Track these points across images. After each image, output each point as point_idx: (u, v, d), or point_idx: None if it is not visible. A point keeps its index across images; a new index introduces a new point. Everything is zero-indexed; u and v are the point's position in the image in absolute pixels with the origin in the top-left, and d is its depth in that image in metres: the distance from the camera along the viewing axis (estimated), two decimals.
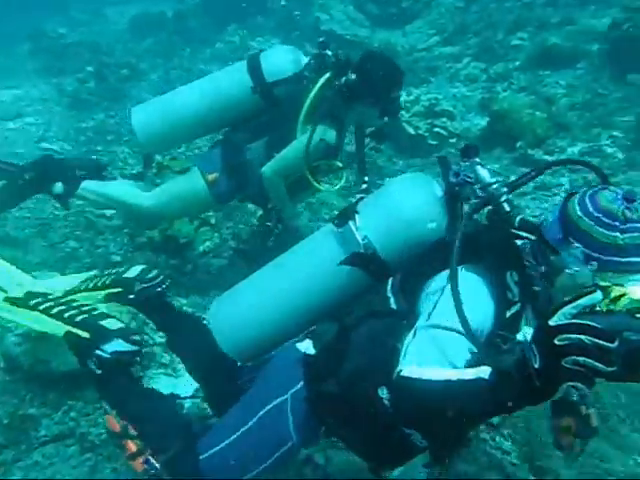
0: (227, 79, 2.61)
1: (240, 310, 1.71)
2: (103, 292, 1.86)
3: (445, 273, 1.34)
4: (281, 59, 2.57)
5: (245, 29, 6.26)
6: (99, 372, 1.67)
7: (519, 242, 1.41)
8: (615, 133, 4.04)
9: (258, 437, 1.50)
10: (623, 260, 1.18)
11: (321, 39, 2.61)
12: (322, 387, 1.46)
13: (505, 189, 1.48)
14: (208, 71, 6.04)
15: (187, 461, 1.54)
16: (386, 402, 1.28)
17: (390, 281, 1.56)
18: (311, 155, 2.43)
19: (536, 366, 0.97)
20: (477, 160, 1.54)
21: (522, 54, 5.19)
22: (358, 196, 1.80)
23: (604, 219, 1.19)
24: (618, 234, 1.18)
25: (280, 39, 5.05)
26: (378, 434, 1.40)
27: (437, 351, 1.23)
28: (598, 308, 1.16)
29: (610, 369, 0.91)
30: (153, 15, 7.41)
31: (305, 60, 2.57)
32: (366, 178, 2.69)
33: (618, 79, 4.52)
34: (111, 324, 1.74)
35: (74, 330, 1.69)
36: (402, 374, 1.18)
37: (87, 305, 1.82)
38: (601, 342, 0.91)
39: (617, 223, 1.18)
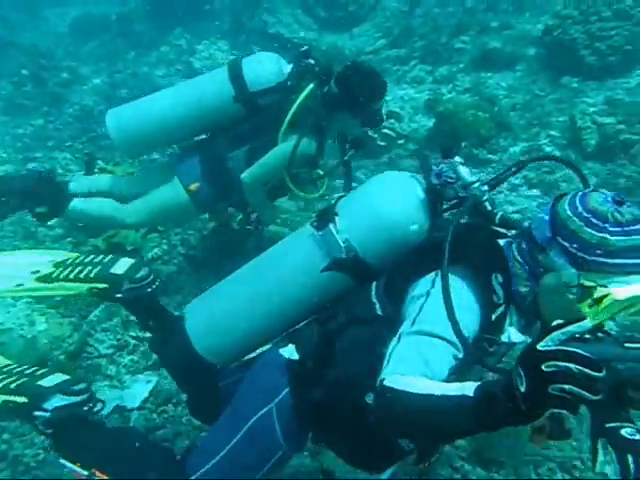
0: (208, 86, 2.58)
1: (215, 312, 1.68)
2: (86, 285, 1.78)
3: (430, 276, 1.34)
4: (264, 68, 2.54)
5: (191, 32, 6.16)
6: (49, 431, 1.63)
7: (502, 241, 1.42)
8: (552, 132, 4.23)
9: (247, 451, 1.48)
10: (609, 262, 1.18)
11: (304, 48, 2.61)
12: (308, 394, 1.44)
13: (486, 187, 1.49)
14: (153, 75, 6.02)
15: None
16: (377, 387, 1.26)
17: (374, 286, 1.53)
18: (293, 164, 2.47)
19: (522, 390, 0.96)
20: (458, 160, 1.54)
21: (465, 57, 5.36)
22: (336, 196, 1.76)
23: (593, 220, 1.20)
24: (607, 235, 1.18)
25: (228, 42, 4.99)
26: (365, 440, 1.39)
27: (421, 358, 1.21)
28: (583, 304, 1.19)
29: (596, 398, 0.90)
30: (95, 17, 7.17)
31: (288, 69, 2.56)
32: (354, 184, 2.71)
33: (553, 81, 4.75)
34: (49, 381, 1.68)
35: (11, 398, 1.65)
36: (385, 383, 1.17)
37: (22, 367, 1.77)
38: (588, 371, 0.90)
39: (607, 225, 1.18)
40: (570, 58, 4.63)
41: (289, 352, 1.53)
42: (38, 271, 1.81)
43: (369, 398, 1.28)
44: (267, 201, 2.72)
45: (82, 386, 1.70)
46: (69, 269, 1.79)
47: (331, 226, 1.59)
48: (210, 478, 1.49)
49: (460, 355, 1.25)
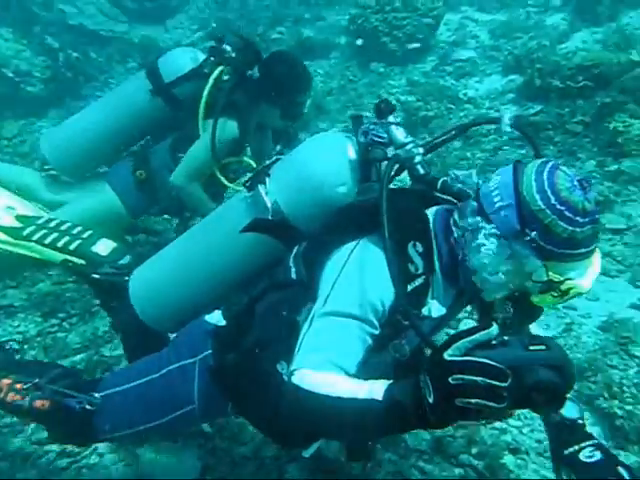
0: (129, 88, 2.56)
1: (154, 280, 1.67)
2: (62, 256, 1.79)
3: (349, 246, 1.29)
4: (177, 58, 2.51)
5: None
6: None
7: (437, 208, 1.36)
8: (366, 113, 4.52)
9: (158, 391, 1.49)
10: (575, 252, 1.16)
11: (219, 35, 2.53)
12: (223, 359, 1.42)
13: (420, 150, 1.41)
14: None
15: (78, 391, 1.52)
16: (285, 377, 1.21)
17: (295, 250, 1.47)
18: (218, 151, 2.35)
19: (430, 401, 0.96)
20: (392, 119, 1.45)
21: (283, 46, 5.47)
22: (275, 157, 1.64)
23: (567, 213, 1.14)
24: (577, 229, 1.15)
25: (20, 34, 4.43)
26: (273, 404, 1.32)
27: (333, 346, 1.18)
28: (555, 294, 1.19)
29: (501, 406, 0.92)
30: None
31: (203, 57, 2.45)
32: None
33: (364, 67, 5.09)
34: (101, 248, 1.80)
35: (70, 258, 1.77)
36: (293, 380, 1.14)
37: (73, 226, 1.88)
38: (494, 382, 0.91)
39: (578, 218, 1.14)
40: (375, 45, 5.00)
41: (215, 318, 1.51)
42: (14, 208, 1.95)
43: (281, 367, 1.28)
44: (206, 199, 2.53)
45: (126, 261, 1.77)
46: (44, 232, 1.84)
47: (260, 187, 1.52)
48: (114, 400, 1.51)
49: (376, 332, 1.23)
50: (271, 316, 1.42)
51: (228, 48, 2.48)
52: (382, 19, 4.92)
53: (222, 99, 2.36)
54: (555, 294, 1.21)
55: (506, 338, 0.99)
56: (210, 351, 1.47)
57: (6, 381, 1.58)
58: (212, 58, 2.46)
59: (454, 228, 1.30)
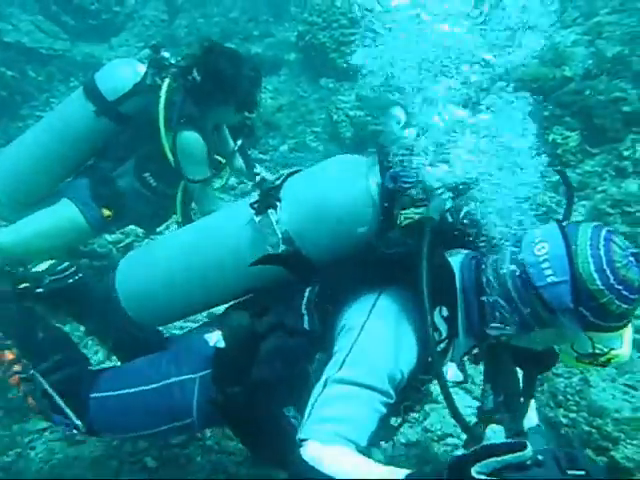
0: (68, 111, 2.46)
1: (146, 276, 1.61)
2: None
3: (368, 300, 1.22)
4: (116, 74, 2.41)
5: None
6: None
7: (462, 256, 1.28)
8: (316, 129, 4.54)
9: (157, 401, 1.47)
10: (620, 324, 1.14)
11: (153, 42, 2.48)
12: (227, 390, 1.40)
13: (450, 194, 1.31)
14: None
15: (74, 388, 1.50)
16: (292, 420, 1.22)
17: (306, 295, 1.40)
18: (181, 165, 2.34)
19: None
20: (424, 161, 1.33)
21: None
22: (285, 172, 1.52)
23: (624, 292, 1.11)
24: (630, 306, 1.12)
25: None
26: (276, 446, 1.32)
27: (346, 418, 1.11)
28: (602, 360, 1.14)
29: None
30: None
31: (143, 69, 2.35)
32: (258, 169, 2.70)
33: (314, 82, 5.11)
34: (40, 267, 1.75)
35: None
36: (302, 453, 1.08)
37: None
38: None
39: (633, 295, 1.11)
40: (324, 61, 5.03)
41: (217, 340, 1.47)
42: None
43: (288, 411, 1.27)
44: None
45: (65, 265, 1.74)
46: None
47: (271, 214, 1.42)
48: (108, 404, 1.49)
49: (392, 401, 1.17)
50: (279, 359, 1.38)
51: (167, 55, 2.44)
52: (329, 35, 4.96)
53: (176, 114, 2.32)
54: (595, 362, 1.18)
55: (540, 458, 0.92)
56: (210, 371, 1.45)
57: (10, 356, 1.56)
58: (153, 69, 2.39)
59: (487, 290, 1.23)
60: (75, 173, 2.55)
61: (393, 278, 1.22)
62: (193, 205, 2.63)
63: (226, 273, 1.52)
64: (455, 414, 1.12)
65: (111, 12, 5.34)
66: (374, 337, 1.18)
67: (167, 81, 2.34)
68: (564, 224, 1.19)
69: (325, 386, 1.17)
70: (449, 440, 2.19)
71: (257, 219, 1.45)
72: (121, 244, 3.42)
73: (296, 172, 1.57)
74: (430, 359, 1.17)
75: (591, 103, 3.61)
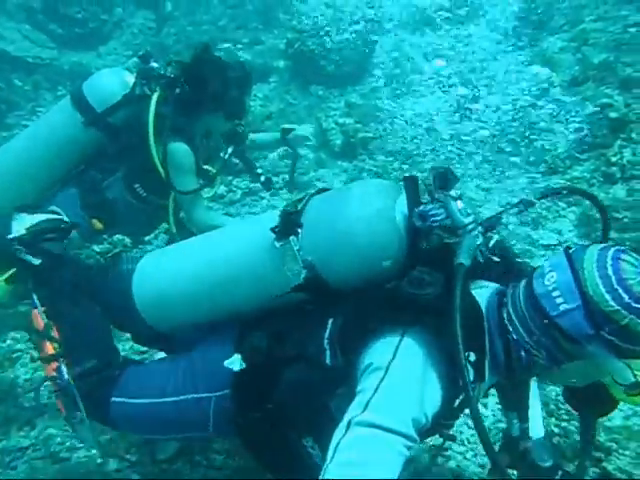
0: (55, 121, 2.41)
1: (159, 280, 1.63)
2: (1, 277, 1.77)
3: (393, 339, 1.20)
4: (105, 85, 2.38)
5: None
6: (37, 262, 1.64)
7: (489, 292, 1.25)
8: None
9: (174, 415, 1.50)
10: None
11: (141, 52, 2.44)
12: (245, 411, 1.41)
13: (479, 229, 1.27)
14: None
15: (99, 390, 1.55)
16: (310, 450, 1.25)
17: (329, 327, 1.37)
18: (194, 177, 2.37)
19: None
20: (453, 194, 1.29)
21: None
22: (306, 195, 1.48)
23: None
24: None
25: None
26: (293, 473, 1.35)
27: (370, 463, 1.07)
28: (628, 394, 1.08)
29: None
30: None
31: (132, 78, 2.33)
32: (259, 170, 2.77)
33: (304, 90, 5.10)
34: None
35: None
36: None
37: None
38: None
39: None
40: (313, 68, 5.03)
41: (235, 362, 1.45)
42: None
43: (307, 442, 1.28)
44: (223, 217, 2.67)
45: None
46: None
47: (292, 241, 1.38)
48: (126, 409, 1.54)
49: (416, 445, 1.15)
50: (299, 391, 1.37)
51: (156, 65, 2.42)
52: (319, 43, 4.96)
53: (166, 126, 2.30)
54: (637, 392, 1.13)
55: None
56: (228, 391, 1.46)
57: (50, 349, 1.59)
58: (142, 80, 2.37)
59: (510, 327, 1.21)
60: (63, 182, 2.51)
61: (418, 319, 1.20)
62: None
63: (244, 293, 1.51)
64: (492, 457, 1.11)
65: (99, 20, 5.31)
66: (400, 380, 1.16)
67: (156, 93, 2.32)
68: (571, 250, 1.17)
69: (348, 428, 1.13)
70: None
71: (278, 244, 1.41)
72: (109, 254, 3.38)
73: (318, 194, 1.53)
74: (456, 404, 1.17)
75: (579, 110, 3.63)
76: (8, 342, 2.71)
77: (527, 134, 3.82)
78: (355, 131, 4.25)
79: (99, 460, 2.14)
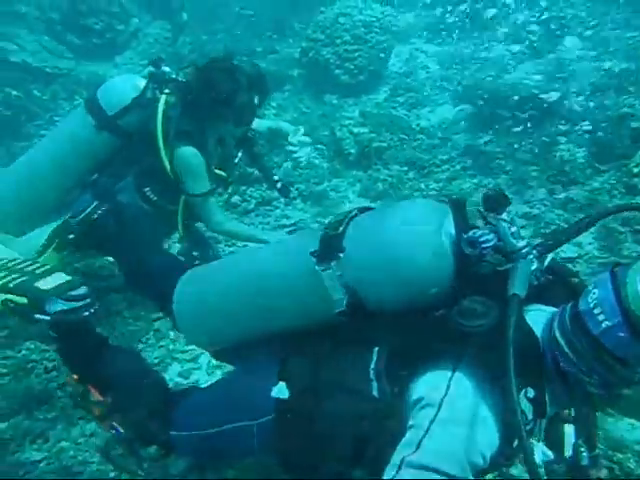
0: (71, 125, 2.47)
1: (198, 295, 1.63)
2: (3, 296, 1.62)
3: (442, 371, 1.15)
4: (117, 89, 2.42)
5: None
6: (54, 335, 1.61)
7: (545, 319, 1.19)
8: (319, 146, 4.50)
9: (224, 444, 1.52)
10: None
11: (155, 58, 2.46)
12: (288, 439, 1.40)
13: (534, 253, 1.20)
14: None
15: (159, 428, 1.57)
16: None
17: (374, 357, 1.33)
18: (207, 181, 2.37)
19: None
20: (505, 217, 1.23)
21: None
22: (346, 215, 1.42)
23: None
24: None
25: None
26: None
27: None
28: None
29: None
30: None
31: (144, 83, 2.36)
32: (276, 177, 2.74)
33: (317, 98, 5.09)
34: (48, 282, 1.62)
35: (10, 297, 1.60)
36: None
37: (23, 263, 1.71)
38: None
39: None
40: (327, 77, 5.02)
41: (280, 391, 1.42)
42: None
43: (354, 475, 1.24)
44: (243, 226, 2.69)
45: (82, 291, 1.63)
46: None
47: (334, 266, 1.34)
48: (185, 442, 1.56)
49: None
50: (345, 423, 1.31)
51: (167, 69, 2.44)
52: (333, 52, 4.96)
53: (173, 129, 2.31)
54: None
55: None
56: (271, 417, 1.44)
57: (96, 410, 1.60)
58: (154, 84, 2.40)
59: (557, 352, 1.16)
60: (80, 188, 2.54)
61: (470, 352, 1.15)
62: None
63: (283, 316, 1.49)
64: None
65: (115, 31, 5.37)
66: (452, 418, 1.11)
67: (164, 96, 2.35)
68: (617, 268, 1.11)
69: (400, 468, 1.09)
70: None
71: (318, 269, 1.37)
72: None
73: (359, 214, 1.47)
74: (515, 444, 1.11)
75: (599, 119, 3.56)
76: (23, 352, 2.71)
77: (546, 143, 3.75)
78: (369, 140, 4.22)
79: (112, 474, 2.13)
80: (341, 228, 1.39)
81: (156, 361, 2.74)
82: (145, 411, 1.59)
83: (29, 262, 1.75)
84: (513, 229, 1.23)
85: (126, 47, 5.49)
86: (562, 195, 3.46)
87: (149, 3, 5.93)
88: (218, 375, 2.63)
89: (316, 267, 1.36)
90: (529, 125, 3.87)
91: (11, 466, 2.17)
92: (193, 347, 2.67)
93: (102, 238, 2.08)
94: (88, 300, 1.64)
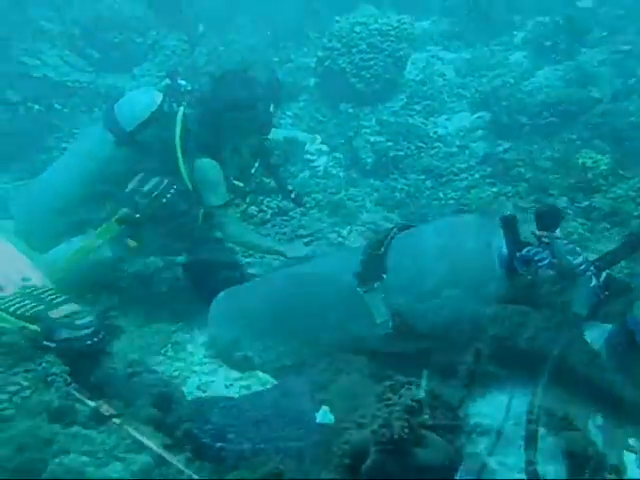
0: (91, 143, 2.50)
1: (241, 312, 1.64)
2: (20, 323, 1.72)
3: (497, 396, 1.13)
4: (134, 104, 2.45)
5: None
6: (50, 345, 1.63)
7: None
8: (337, 154, 4.49)
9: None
10: None
11: (171, 70, 2.56)
12: None
13: (592, 269, 1.18)
14: None
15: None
16: None
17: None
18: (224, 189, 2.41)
19: None
20: (558, 234, 1.21)
21: None
22: (387, 236, 1.42)
23: None
24: None
25: None
26: None
27: None
28: None
29: None
30: None
31: (161, 97, 2.40)
32: (290, 187, 2.82)
33: (333, 107, 5.08)
34: (59, 312, 1.70)
35: (26, 324, 1.69)
36: None
37: (44, 291, 1.79)
38: None
39: None
40: (343, 86, 5.01)
41: (325, 416, 1.38)
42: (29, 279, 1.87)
43: None
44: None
45: (87, 320, 1.68)
46: (17, 299, 1.75)
47: (377, 288, 1.30)
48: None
49: None
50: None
51: (183, 82, 2.47)
52: (349, 60, 4.95)
53: (192, 142, 2.33)
54: None
55: None
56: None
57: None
58: (170, 97, 2.43)
59: None
60: (101, 203, 2.57)
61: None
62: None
63: (327, 334, 1.49)
64: None
65: (134, 43, 5.44)
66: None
67: (182, 109, 2.37)
68: None
69: None
70: None
71: (361, 290, 1.34)
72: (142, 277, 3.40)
73: (399, 232, 1.44)
74: None
75: (621, 125, 3.48)
76: (43, 365, 2.74)
77: (567, 150, 3.68)
78: (386, 150, 4.19)
79: None
80: (382, 249, 1.35)
81: (175, 374, 2.74)
82: None
83: (49, 290, 1.84)
84: (569, 246, 1.18)
85: (144, 59, 5.57)
86: (584, 203, 3.38)
87: (165, 15, 6.02)
88: (236, 388, 2.62)
89: (358, 288, 1.33)
90: (549, 132, 3.80)
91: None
92: (211, 360, 2.67)
93: (167, 218, 2.15)
94: (92, 329, 1.69)
